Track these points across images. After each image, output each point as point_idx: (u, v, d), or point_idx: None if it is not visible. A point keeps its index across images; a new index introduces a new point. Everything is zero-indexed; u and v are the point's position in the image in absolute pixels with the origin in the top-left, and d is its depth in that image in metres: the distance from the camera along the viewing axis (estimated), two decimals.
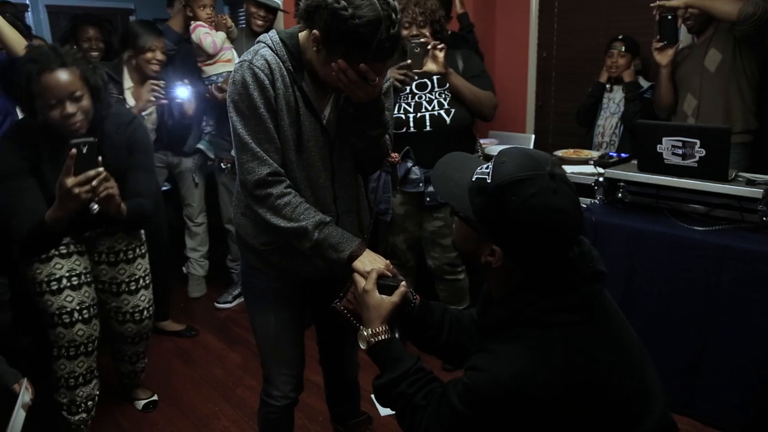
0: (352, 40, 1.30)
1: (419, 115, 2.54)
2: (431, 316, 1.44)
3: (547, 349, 1.06)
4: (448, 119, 2.52)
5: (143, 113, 2.85)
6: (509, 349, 1.08)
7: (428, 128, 2.53)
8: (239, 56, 3.22)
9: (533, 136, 3.90)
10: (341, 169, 1.60)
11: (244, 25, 3.43)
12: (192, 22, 3.18)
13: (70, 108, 1.86)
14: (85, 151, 1.74)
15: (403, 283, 1.39)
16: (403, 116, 2.55)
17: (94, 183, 1.77)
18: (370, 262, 1.44)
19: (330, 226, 1.50)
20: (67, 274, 2.07)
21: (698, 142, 2.19)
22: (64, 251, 2.09)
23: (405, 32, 2.48)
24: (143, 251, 2.34)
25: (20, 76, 1.84)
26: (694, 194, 2.26)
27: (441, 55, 2.42)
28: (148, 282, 2.37)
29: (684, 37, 3.01)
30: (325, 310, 1.79)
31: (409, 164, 2.59)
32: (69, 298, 2.06)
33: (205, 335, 3.26)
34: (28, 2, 5.97)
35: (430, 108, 2.54)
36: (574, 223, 1.08)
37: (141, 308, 2.34)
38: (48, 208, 1.86)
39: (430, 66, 2.42)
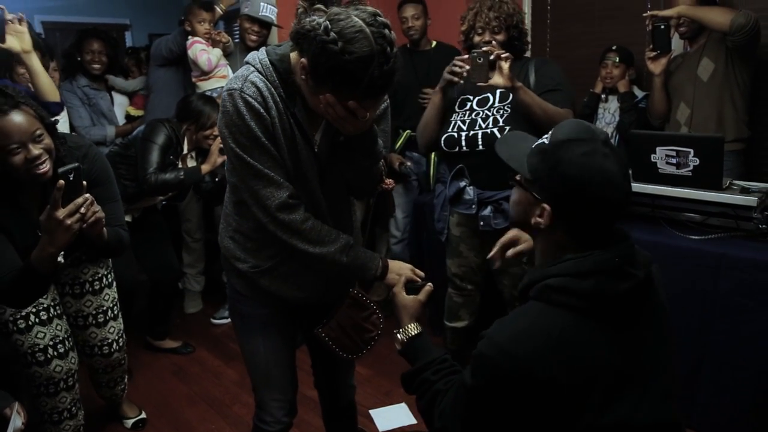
0: (341, 77, 1.22)
1: (471, 133, 2.28)
2: None
3: (545, 323, 1.08)
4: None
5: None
6: (516, 317, 1.13)
7: (480, 147, 2.26)
8: (233, 72, 3.27)
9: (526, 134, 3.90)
10: (332, 197, 1.55)
11: (238, 40, 3.45)
12: (189, 37, 3.19)
13: (35, 150, 1.69)
14: (72, 178, 1.59)
15: (429, 284, 1.48)
16: (455, 134, 2.31)
17: (82, 210, 1.62)
18: (397, 271, 1.54)
19: (354, 247, 1.51)
20: (34, 310, 1.97)
21: (692, 151, 2.19)
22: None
23: (478, 38, 2.33)
24: (110, 280, 2.25)
25: None
26: (690, 203, 2.26)
27: (506, 66, 2.14)
28: (116, 312, 2.27)
29: (676, 45, 3.02)
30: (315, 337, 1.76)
31: (462, 183, 2.34)
32: (40, 335, 1.97)
33: (201, 351, 3.24)
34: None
35: (483, 126, 2.28)
36: (621, 190, 1.10)
37: (110, 341, 2.25)
38: (20, 258, 1.71)
39: (495, 79, 2.15)
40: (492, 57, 2.15)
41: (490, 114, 2.30)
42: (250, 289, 1.61)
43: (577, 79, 3.59)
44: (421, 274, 1.54)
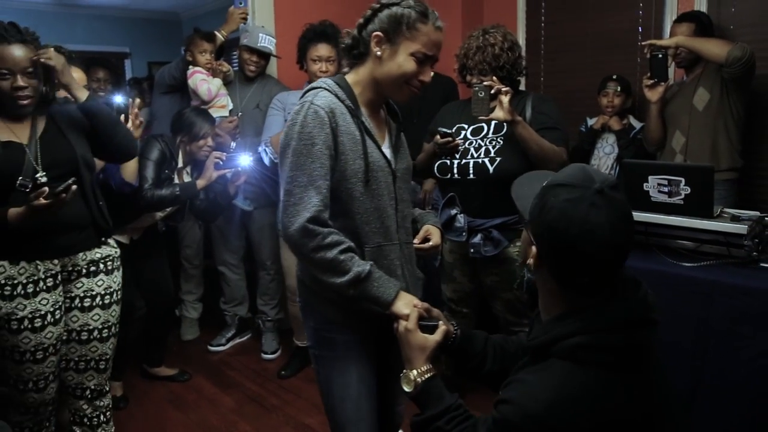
0: (408, 23, 1.50)
1: (463, 161, 2.36)
2: (473, 346, 1.46)
3: (580, 385, 1.04)
4: (491, 168, 2.31)
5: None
6: (541, 380, 1.07)
7: (471, 176, 2.34)
8: (232, 102, 3.32)
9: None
10: (402, 199, 1.66)
11: (237, 68, 3.51)
12: (190, 66, 3.25)
13: (21, 81, 1.90)
14: (67, 196, 1.81)
15: (441, 320, 1.43)
16: (447, 162, 2.39)
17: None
18: (406, 305, 1.47)
19: (367, 279, 1.48)
20: (29, 315, 1.99)
21: (683, 180, 2.23)
22: (38, 324, 2.00)
23: (469, 78, 2.39)
24: (119, 297, 2.25)
25: None
26: (682, 231, 2.29)
27: (506, 100, 2.20)
28: (117, 329, 2.27)
29: (671, 73, 3.08)
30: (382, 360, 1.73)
31: (453, 212, 2.40)
32: (26, 340, 2.00)
33: (198, 379, 3.23)
34: None
35: (476, 155, 2.35)
36: (604, 244, 1.04)
37: (108, 356, 2.23)
38: None
39: (496, 113, 2.21)
40: (493, 91, 2.21)
41: (482, 144, 2.36)
42: (341, 314, 1.59)
43: (571, 109, 3.67)
44: (430, 308, 1.47)
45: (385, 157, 1.59)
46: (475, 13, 4.12)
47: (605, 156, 3.22)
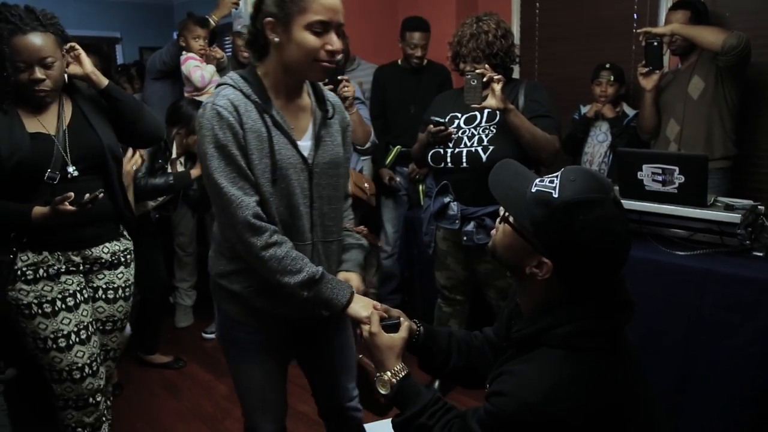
0: None
1: (457, 150, 2.35)
2: (437, 342, 1.44)
3: (576, 372, 1.05)
4: (484, 157, 2.30)
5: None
6: (535, 369, 1.07)
7: (465, 164, 2.34)
8: None
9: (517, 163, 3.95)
10: (321, 196, 1.56)
11: (230, 55, 3.48)
12: (183, 52, 3.22)
13: (39, 73, 1.81)
14: (88, 205, 1.80)
15: (402, 317, 1.40)
16: (441, 151, 2.39)
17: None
18: (364, 308, 1.44)
19: (320, 281, 1.46)
20: (60, 296, 1.95)
21: (677, 169, 2.23)
22: (71, 303, 1.98)
23: (462, 65, 2.38)
24: (133, 291, 2.26)
25: None
26: (675, 219, 2.30)
27: (498, 88, 2.19)
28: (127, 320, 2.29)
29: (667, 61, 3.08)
30: (312, 355, 1.77)
31: (446, 199, 2.42)
32: (66, 321, 1.96)
33: (192, 366, 3.23)
34: None
35: (469, 144, 2.34)
36: (627, 249, 1.09)
37: (120, 343, 2.27)
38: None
39: (489, 101, 2.21)
40: (485, 79, 2.21)
41: (476, 133, 2.36)
42: (245, 313, 1.58)
43: (565, 96, 3.67)
44: (387, 308, 1.43)
45: (299, 152, 1.50)
46: (469, 0, 4.09)
47: (598, 144, 3.22)
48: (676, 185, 2.25)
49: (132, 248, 2.22)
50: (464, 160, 2.34)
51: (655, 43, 2.76)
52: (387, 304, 1.47)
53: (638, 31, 2.83)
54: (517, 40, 3.98)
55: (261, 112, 1.45)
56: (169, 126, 2.92)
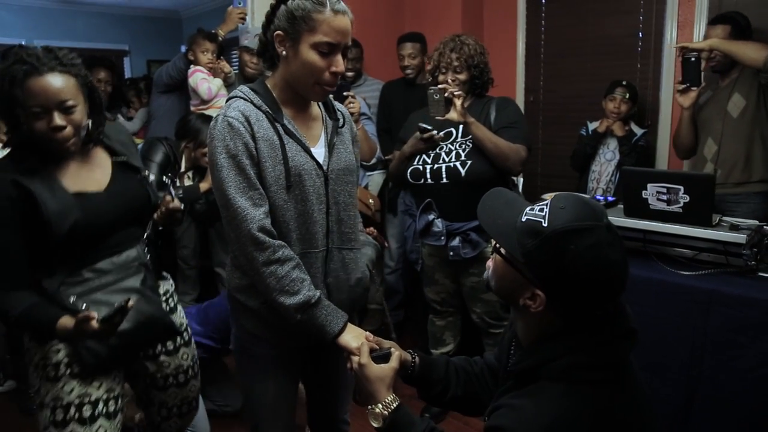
0: (303, 15, 1.40)
1: (436, 166, 2.42)
2: (434, 372, 1.41)
3: (576, 407, 1.02)
4: (463, 171, 2.37)
5: None
6: (534, 405, 1.04)
7: (444, 180, 2.41)
8: None
9: (522, 179, 3.95)
10: (337, 202, 1.57)
11: (237, 70, 3.50)
12: (191, 65, 3.24)
13: (59, 120, 1.51)
14: (116, 319, 1.48)
15: (393, 348, 1.38)
16: (420, 167, 2.45)
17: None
18: (355, 338, 1.43)
19: (316, 306, 1.45)
20: (104, 396, 1.67)
21: (682, 188, 2.22)
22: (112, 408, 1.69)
23: (441, 77, 2.44)
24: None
25: (1, 79, 1.49)
26: (680, 239, 2.29)
27: (458, 102, 2.30)
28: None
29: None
30: (319, 372, 1.77)
31: (431, 216, 2.46)
32: (93, 388, 1.65)
33: None
34: (23, 43, 6.05)
35: (447, 159, 2.42)
36: (623, 277, 1.05)
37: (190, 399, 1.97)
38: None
39: (451, 114, 2.32)
40: (446, 94, 2.31)
41: (453, 148, 2.44)
42: (261, 328, 1.57)
43: (570, 113, 3.68)
44: (380, 340, 1.42)
45: (314, 158, 1.51)
46: (475, 17, 4.11)
47: (606, 162, 3.21)
48: (681, 204, 2.24)
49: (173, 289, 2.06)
50: (444, 175, 2.40)
51: (693, 59, 2.62)
52: (390, 320, 1.46)
53: (675, 46, 2.74)
54: (522, 58, 4.04)
55: (272, 122, 1.47)
56: (177, 139, 2.93)
